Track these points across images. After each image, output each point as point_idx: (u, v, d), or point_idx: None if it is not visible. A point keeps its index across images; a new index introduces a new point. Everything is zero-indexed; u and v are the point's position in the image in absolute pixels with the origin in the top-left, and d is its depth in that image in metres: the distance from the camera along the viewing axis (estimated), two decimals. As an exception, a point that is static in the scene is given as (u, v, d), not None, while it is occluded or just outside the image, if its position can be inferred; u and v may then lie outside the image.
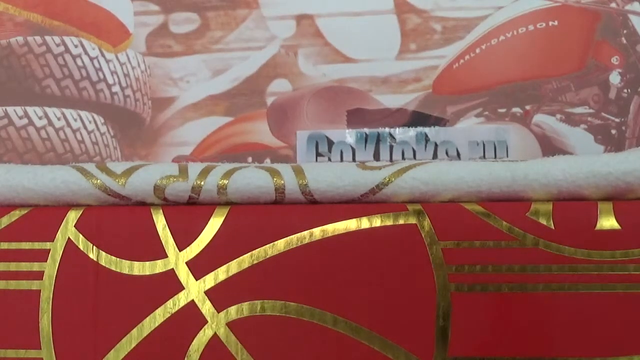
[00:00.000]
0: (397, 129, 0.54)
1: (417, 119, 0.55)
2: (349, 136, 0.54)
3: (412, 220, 0.38)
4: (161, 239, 0.40)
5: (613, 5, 0.55)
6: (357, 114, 0.55)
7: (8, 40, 0.56)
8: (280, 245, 0.39)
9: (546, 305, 0.37)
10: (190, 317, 0.39)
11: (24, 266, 0.40)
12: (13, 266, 0.41)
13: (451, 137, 0.53)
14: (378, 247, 0.38)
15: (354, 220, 0.39)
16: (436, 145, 0.53)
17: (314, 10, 0.56)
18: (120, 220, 0.41)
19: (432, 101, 0.55)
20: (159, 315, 0.39)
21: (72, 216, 0.41)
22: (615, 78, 0.55)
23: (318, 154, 0.53)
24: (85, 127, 0.56)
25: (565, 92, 0.55)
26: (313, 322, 0.38)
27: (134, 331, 0.39)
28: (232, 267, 0.39)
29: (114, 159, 0.56)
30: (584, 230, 0.38)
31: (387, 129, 0.54)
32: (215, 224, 0.40)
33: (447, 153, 0.53)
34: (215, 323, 0.39)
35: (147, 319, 0.39)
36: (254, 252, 0.39)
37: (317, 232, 0.39)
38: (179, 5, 0.57)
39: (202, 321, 0.39)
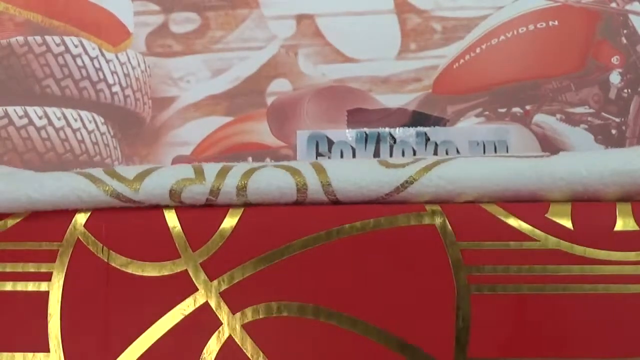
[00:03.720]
0: (397, 129, 0.54)
1: (417, 118, 0.55)
2: (349, 136, 0.54)
3: (431, 221, 0.38)
4: (174, 239, 0.39)
5: (613, 5, 0.55)
6: (357, 113, 0.55)
7: (8, 40, 0.56)
8: (297, 245, 0.38)
9: (566, 306, 0.37)
10: (205, 319, 0.38)
11: (32, 267, 0.39)
12: (19, 267, 0.39)
13: (451, 137, 0.53)
14: (396, 248, 0.38)
15: (372, 220, 0.38)
16: (436, 145, 0.53)
17: (314, 10, 0.56)
18: (131, 221, 0.40)
19: (432, 101, 0.55)
20: (173, 317, 0.38)
21: (82, 216, 0.40)
22: (615, 78, 0.55)
23: (318, 154, 0.53)
24: (85, 127, 0.56)
25: (566, 92, 0.55)
26: (330, 323, 0.37)
27: (147, 333, 0.38)
28: (248, 268, 0.38)
29: (114, 159, 0.56)
30: (603, 231, 0.37)
31: (387, 129, 0.54)
32: (229, 224, 0.39)
33: (447, 153, 0.53)
34: (231, 325, 0.38)
35: (161, 321, 0.38)
36: (270, 252, 0.38)
37: (335, 233, 0.38)
38: (179, 5, 0.57)
39: (217, 323, 0.38)
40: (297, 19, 0.56)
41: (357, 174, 0.39)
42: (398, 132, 0.54)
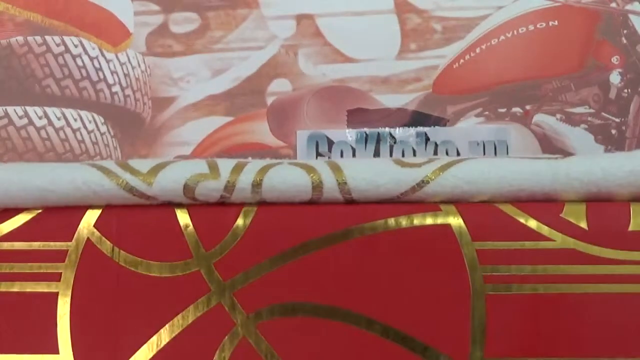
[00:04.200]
0: (397, 129, 0.54)
1: (417, 119, 0.55)
2: (349, 136, 0.54)
3: (446, 221, 0.38)
4: (186, 238, 0.38)
5: (613, 5, 0.55)
6: (357, 113, 0.55)
7: (8, 40, 0.56)
8: (312, 245, 0.38)
9: (581, 306, 0.37)
10: (218, 319, 0.37)
11: (41, 267, 0.38)
12: (28, 267, 0.38)
13: (451, 137, 0.53)
14: (411, 248, 0.38)
15: (387, 220, 0.38)
16: (436, 145, 0.53)
17: (314, 10, 0.56)
18: (142, 219, 0.39)
19: (432, 101, 0.55)
20: (185, 319, 0.37)
21: (91, 215, 0.39)
22: (615, 78, 0.55)
23: (318, 154, 0.53)
24: (85, 127, 0.56)
25: (566, 92, 0.55)
26: (345, 324, 0.37)
27: (158, 335, 0.37)
28: (262, 268, 0.37)
29: (114, 159, 0.56)
30: (618, 231, 0.37)
31: (387, 129, 0.54)
32: (243, 223, 0.38)
33: (447, 153, 0.53)
34: (245, 326, 0.37)
35: (173, 321, 0.37)
36: (284, 252, 0.37)
37: (350, 232, 0.38)
38: (179, 5, 0.57)
39: (230, 323, 0.37)
40: (297, 19, 0.56)
41: (374, 173, 0.38)
42: (398, 132, 0.54)
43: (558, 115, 0.55)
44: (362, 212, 0.38)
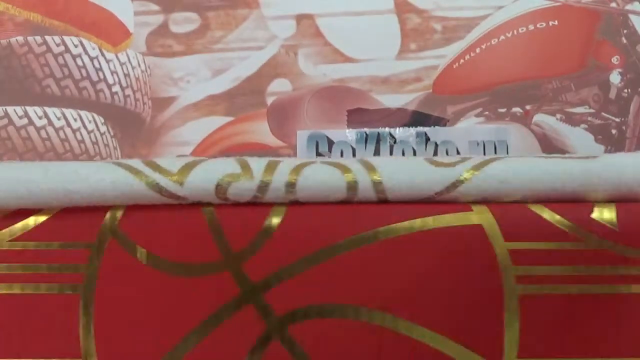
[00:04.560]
0: (397, 129, 0.54)
1: (417, 119, 0.55)
2: (349, 136, 0.54)
3: (478, 221, 0.37)
4: (214, 239, 0.37)
5: (613, 5, 0.55)
6: (357, 113, 0.55)
7: (8, 40, 0.56)
8: (344, 245, 0.37)
9: (613, 306, 0.37)
10: (248, 321, 0.36)
11: (61, 269, 0.36)
12: (45, 268, 0.36)
13: (451, 137, 0.53)
14: (444, 248, 0.37)
15: (419, 220, 0.37)
16: (436, 145, 0.53)
17: (314, 10, 0.56)
18: (169, 219, 0.37)
19: (432, 101, 0.55)
20: (214, 321, 0.36)
21: (115, 214, 0.37)
22: (615, 78, 0.55)
23: (318, 154, 0.53)
24: (85, 127, 0.56)
25: (566, 92, 0.55)
26: (377, 325, 0.36)
27: (187, 338, 0.36)
28: (293, 269, 0.36)
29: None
30: None
31: (387, 129, 0.54)
32: (273, 223, 0.37)
33: (447, 153, 0.53)
34: (275, 328, 0.36)
35: (202, 324, 0.36)
36: (316, 252, 0.36)
37: (381, 233, 0.37)
38: (179, 5, 0.57)
39: (261, 326, 0.36)
40: (297, 19, 0.56)
41: (409, 173, 0.37)
42: (398, 132, 0.54)
43: (558, 115, 0.55)
44: (394, 212, 0.38)
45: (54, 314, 0.37)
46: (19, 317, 0.37)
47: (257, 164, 0.37)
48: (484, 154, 0.52)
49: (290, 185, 0.37)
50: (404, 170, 0.38)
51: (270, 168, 0.37)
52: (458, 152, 0.52)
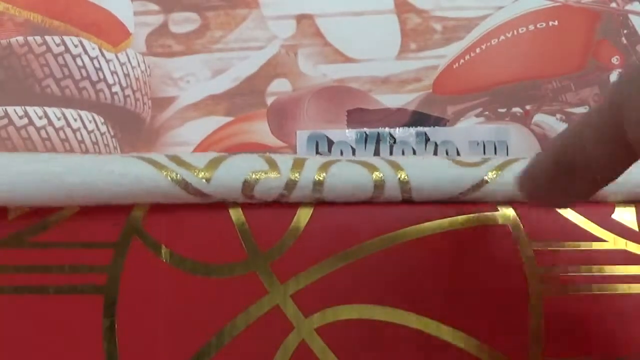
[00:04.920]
0: (397, 129, 0.54)
1: (417, 119, 0.55)
2: (349, 136, 0.54)
3: (503, 221, 0.38)
4: (240, 238, 0.36)
5: (613, 5, 0.55)
6: (357, 113, 0.55)
7: (8, 40, 0.56)
8: (371, 246, 0.37)
9: (638, 306, 0.37)
10: (275, 322, 0.36)
11: (83, 269, 0.36)
12: (68, 269, 0.36)
13: (451, 137, 0.53)
14: (469, 248, 0.37)
15: (444, 220, 0.37)
16: (436, 145, 0.53)
17: (314, 10, 0.56)
18: (194, 218, 0.37)
19: (432, 101, 0.55)
20: (241, 322, 0.36)
21: (138, 213, 0.36)
22: (615, 78, 0.55)
23: (318, 154, 0.53)
24: (85, 127, 0.56)
25: (566, 92, 0.55)
26: (405, 325, 0.36)
27: (213, 340, 0.35)
28: (320, 270, 0.36)
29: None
30: None
31: (387, 129, 0.54)
32: (301, 223, 0.37)
33: (447, 153, 0.53)
34: (303, 329, 0.36)
35: (228, 326, 0.36)
36: (343, 252, 0.36)
37: (408, 233, 0.37)
38: (179, 5, 0.57)
39: (288, 327, 0.36)
40: (297, 19, 0.56)
41: (435, 173, 0.37)
42: (398, 132, 0.54)
43: (558, 115, 0.55)
44: (419, 212, 0.38)
45: (75, 317, 0.36)
46: (40, 319, 0.36)
47: (284, 161, 0.37)
48: (484, 154, 0.52)
49: (318, 184, 0.36)
50: (430, 170, 0.38)
51: (298, 165, 0.37)
52: (458, 152, 0.52)
